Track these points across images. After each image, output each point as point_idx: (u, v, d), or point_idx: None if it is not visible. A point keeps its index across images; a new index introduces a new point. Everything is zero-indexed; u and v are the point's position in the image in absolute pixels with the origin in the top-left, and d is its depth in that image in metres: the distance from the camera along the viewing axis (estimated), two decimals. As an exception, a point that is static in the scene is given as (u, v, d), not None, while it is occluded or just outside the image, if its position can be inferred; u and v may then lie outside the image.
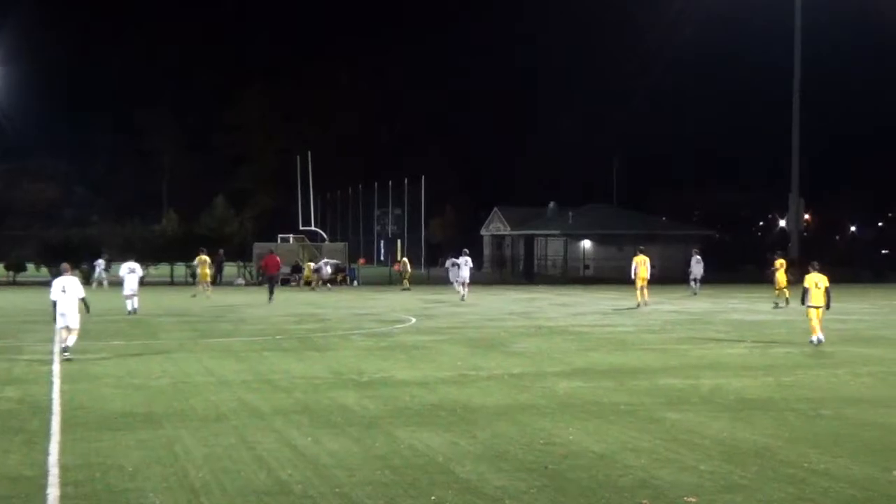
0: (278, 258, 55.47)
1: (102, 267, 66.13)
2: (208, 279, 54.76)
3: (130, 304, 41.30)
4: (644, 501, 11.36)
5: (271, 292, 50.91)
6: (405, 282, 66.55)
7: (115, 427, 15.54)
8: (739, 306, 47.43)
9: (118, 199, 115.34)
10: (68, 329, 24.66)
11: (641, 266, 46.79)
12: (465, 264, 55.03)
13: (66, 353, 24.36)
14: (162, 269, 75.27)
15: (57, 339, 26.34)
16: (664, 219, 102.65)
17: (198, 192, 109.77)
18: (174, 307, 46.04)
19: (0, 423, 15.91)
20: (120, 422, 16.00)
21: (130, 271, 42.36)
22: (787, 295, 46.31)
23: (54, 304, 24.64)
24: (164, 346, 28.25)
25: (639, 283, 46.58)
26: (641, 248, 49.01)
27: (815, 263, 29.62)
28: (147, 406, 17.52)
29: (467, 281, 54.55)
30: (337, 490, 11.76)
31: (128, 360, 24.69)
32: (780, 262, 48.20)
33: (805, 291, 29.36)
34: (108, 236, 78.90)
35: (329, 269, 68.64)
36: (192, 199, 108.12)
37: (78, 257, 65.99)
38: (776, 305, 46.34)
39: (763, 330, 33.95)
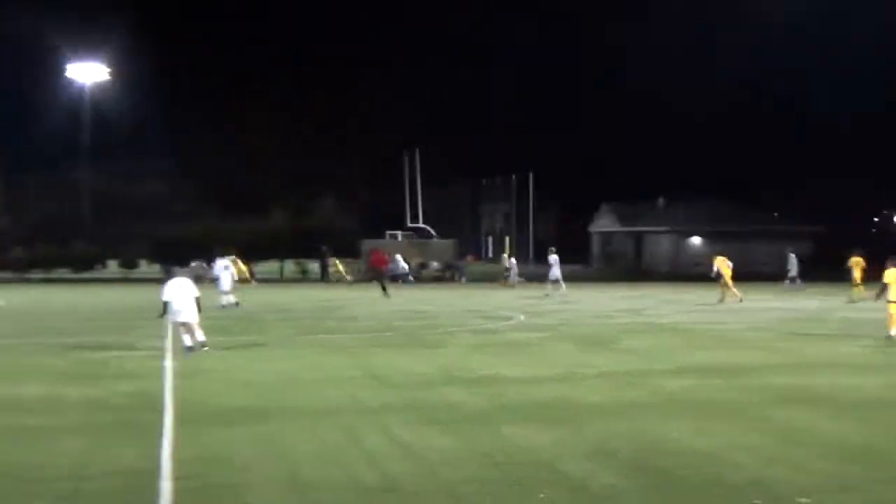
0: (385, 254, 55.95)
1: (211, 263, 66.99)
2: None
3: (226, 300, 42.02)
4: (756, 501, 11.18)
5: (384, 287, 51.52)
6: (507, 280, 66.57)
7: (225, 422, 15.70)
8: (852, 304, 46.64)
9: (226, 195, 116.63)
10: (188, 326, 25.20)
11: (723, 266, 48.39)
12: (555, 263, 55.17)
13: (204, 349, 25.14)
14: (270, 266, 76.08)
15: (169, 335, 26.76)
16: (776, 215, 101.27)
17: (305, 188, 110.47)
18: (281, 303, 46.47)
19: (114, 417, 16.17)
20: (230, 417, 16.17)
21: (225, 268, 43.17)
22: (859, 293, 46.77)
23: (166, 304, 25.11)
24: (273, 342, 28.54)
25: (727, 282, 47.95)
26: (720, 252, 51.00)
27: (894, 258, 29.16)
28: (256, 401, 17.69)
29: (558, 278, 54.67)
30: (444, 487, 11.75)
31: (237, 356, 24.97)
32: (856, 261, 48.69)
33: (884, 287, 28.90)
34: (216, 233, 79.91)
35: (404, 266, 68.85)
36: (299, 195, 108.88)
37: (187, 254, 67.18)
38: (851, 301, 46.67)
39: (878, 328, 33.33)
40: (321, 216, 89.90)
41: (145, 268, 76.77)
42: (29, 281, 76.74)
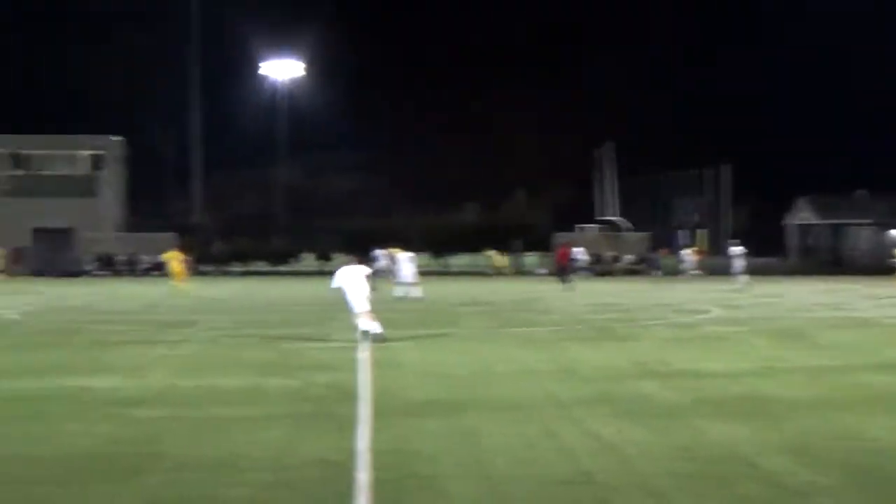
0: (570, 248, 56.15)
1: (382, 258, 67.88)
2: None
3: (404, 291, 42.63)
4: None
5: (564, 280, 51.78)
6: (693, 270, 65.97)
7: (419, 414, 15.83)
8: None
9: (418, 189, 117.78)
10: (359, 314, 25.77)
11: None
12: (738, 255, 54.57)
13: (379, 339, 25.46)
14: (462, 260, 76.53)
15: (360, 327, 27.18)
16: None
17: (497, 182, 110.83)
18: (475, 296, 46.70)
19: (312, 408, 16.45)
20: (424, 409, 16.29)
21: (409, 260, 43.86)
22: None
23: (338, 289, 25.91)
24: (466, 335, 28.69)
25: None
26: None
27: None
28: (450, 394, 17.79)
29: (742, 270, 54.03)
30: (640, 481, 11.64)
31: (431, 348, 25.18)
32: None
33: None
34: (409, 227, 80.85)
35: (585, 259, 68.37)
36: (491, 189, 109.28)
37: (381, 247, 67.93)
38: None
39: None
40: (513, 211, 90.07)
41: (340, 261, 78.10)
42: (229, 274, 78.81)
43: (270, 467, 12.34)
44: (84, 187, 76.53)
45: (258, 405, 16.79)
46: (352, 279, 26.11)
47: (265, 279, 69.86)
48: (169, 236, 77.00)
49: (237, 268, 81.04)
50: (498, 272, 71.97)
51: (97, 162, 77.90)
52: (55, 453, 13.09)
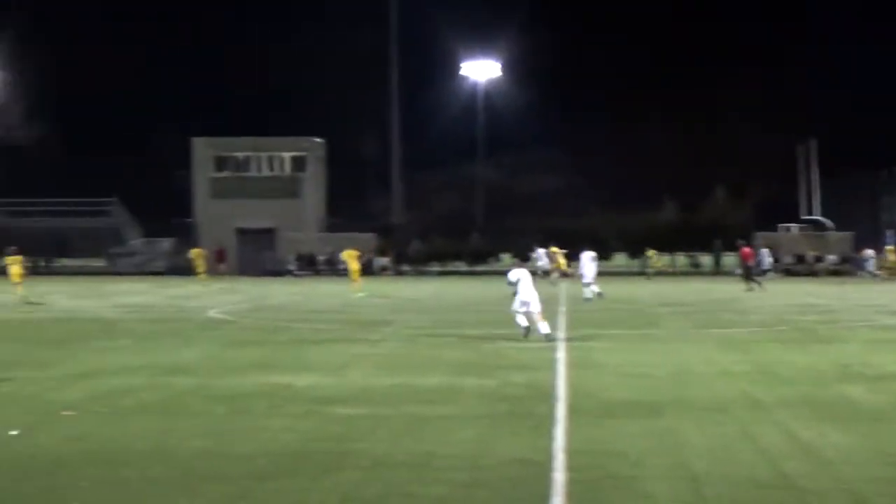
0: (753, 249, 55.54)
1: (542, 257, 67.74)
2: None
3: (590, 291, 42.35)
4: None
5: (749, 280, 51.10)
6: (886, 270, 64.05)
7: (617, 415, 15.70)
8: None
9: (617, 189, 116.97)
10: (532, 314, 26.18)
11: None
12: None
13: (548, 338, 25.69)
14: (661, 259, 75.68)
15: (562, 327, 27.15)
16: None
17: (697, 181, 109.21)
18: (674, 296, 46.17)
19: (509, 407, 16.46)
20: (622, 410, 16.15)
21: (592, 259, 43.70)
22: None
23: (513, 283, 26.48)
24: (665, 336, 28.38)
25: None
26: None
27: None
28: (649, 395, 17.59)
29: None
30: (843, 485, 11.31)
31: (629, 348, 24.97)
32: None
33: None
34: (606, 226, 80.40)
35: (770, 261, 66.75)
36: (691, 188, 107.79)
37: (580, 247, 67.86)
38: None
39: None
40: (713, 210, 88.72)
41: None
42: (426, 274, 79.61)
43: (466, 466, 12.39)
44: (287, 188, 78.18)
45: (455, 404, 16.88)
46: (525, 279, 26.63)
47: (463, 279, 70.30)
48: (368, 236, 78.19)
49: (435, 267, 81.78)
50: (657, 272, 71.16)
51: (300, 163, 79.50)
52: (257, 449, 13.38)
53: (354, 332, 29.59)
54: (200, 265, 61.04)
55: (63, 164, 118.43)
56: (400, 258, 75.51)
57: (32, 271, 76.41)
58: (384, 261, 71.18)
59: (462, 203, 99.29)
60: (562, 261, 61.94)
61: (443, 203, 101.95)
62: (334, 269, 73.14)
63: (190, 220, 78.49)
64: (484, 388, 18.47)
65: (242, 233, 75.35)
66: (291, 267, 74.36)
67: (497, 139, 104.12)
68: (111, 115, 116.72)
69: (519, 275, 26.80)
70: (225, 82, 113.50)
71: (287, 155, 79.36)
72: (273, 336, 28.59)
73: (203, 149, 78.28)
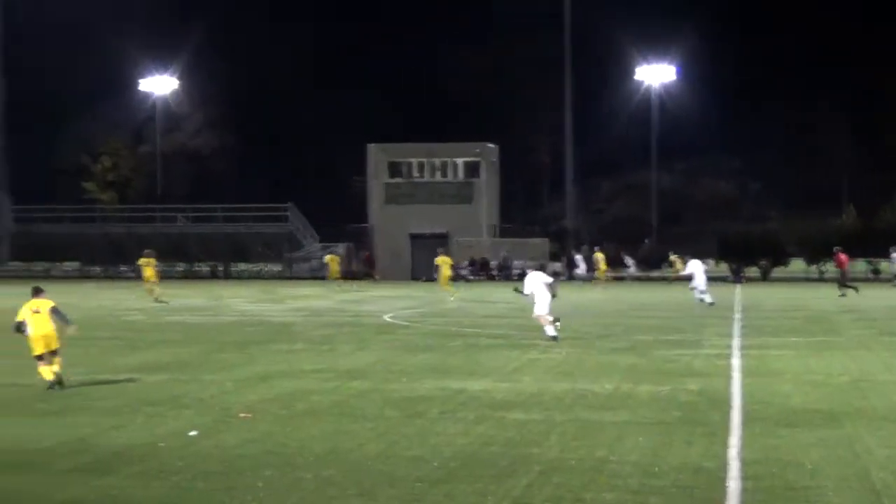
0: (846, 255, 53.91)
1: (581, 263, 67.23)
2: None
3: (702, 298, 41.58)
4: None
5: (845, 286, 50.33)
6: None
7: (794, 423, 15.39)
8: None
9: (793, 193, 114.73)
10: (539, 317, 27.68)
11: None
12: None
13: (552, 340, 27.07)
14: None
15: (736, 333, 26.81)
16: None
17: (876, 186, 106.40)
18: (853, 303, 45.06)
19: (682, 414, 16.28)
20: (799, 418, 15.83)
21: (702, 268, 43.14)
22: None
23: (528, 296, 27.89)
24: (845, 343, 27.70)
25: None
26: None
27: None
28: (827, 403, 17.20)
29: None
30: None
31: (807, 356, 24.44)
32: None
33: None
34: (784, 232, 78.84)
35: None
36: (870, 193, 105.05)
37: (754, 253, 67.02)
38: None
39: None
40: (894, 215, 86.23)
41: (712, 266, 76.98)
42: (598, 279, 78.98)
43: (639, 473, 12.29)
44: (460, 194, 78.54)
45: (627, 410, 16.76)
46: (537, 285, 27.55)
47: (634, 284, 69.72)
48: (541, 241, 78.13)
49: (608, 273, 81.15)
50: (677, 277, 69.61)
51: (473, 169, 79.84)
52: (430, 453, 13.48)
53: (527, 337, 29.58)
54: (335, 270, 61.97)
55: (241, 170, 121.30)
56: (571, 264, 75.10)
57: (211, 275, 78.45)
58: (557, 266, 70.92)
59: (635, 208, 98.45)
60: (603, 267, 61.98)
61: (616, 207, 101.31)
62: (507, 273, 73.26)
63: (365, 225, 79.47)
64: (657, 395, 18.29)
65: (416, 238, 75.96)
66: (464, 272, 74.78)
67: (672, 144, 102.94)
68: (288, 122, 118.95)
69: (531, 285, 27.72)
70: (399, 88, 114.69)
71: (460, 161, 79.69)
72: (446, 341, 28.75)
73: (377, 155, 79.17)
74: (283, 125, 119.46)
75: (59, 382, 18.95)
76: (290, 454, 13.45)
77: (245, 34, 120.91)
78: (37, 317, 19.17)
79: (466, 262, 74.93)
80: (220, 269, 78.83)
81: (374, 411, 16.76)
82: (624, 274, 71.77)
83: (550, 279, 28.43)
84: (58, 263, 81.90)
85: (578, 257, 71.44)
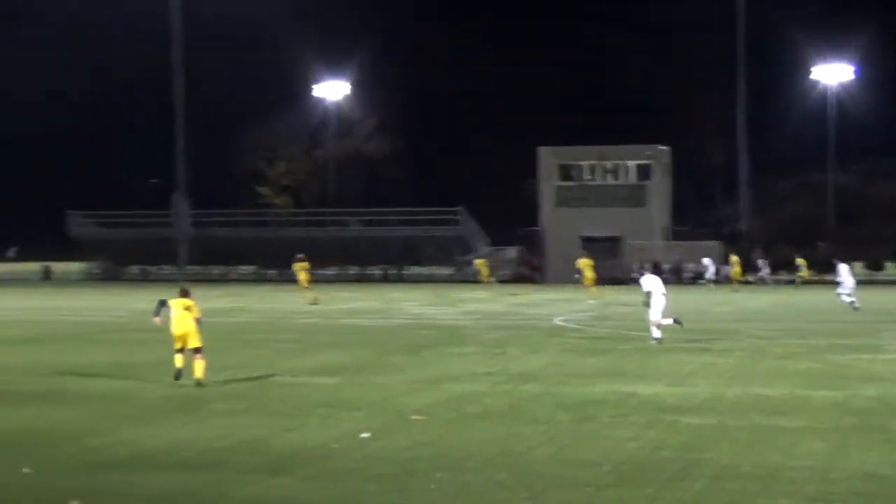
0: None
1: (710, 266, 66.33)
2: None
3: (849, 301, 40.44)
4: None
5: None
6: None
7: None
8: None
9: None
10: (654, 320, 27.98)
11: None
12: None
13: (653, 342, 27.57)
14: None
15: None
16: None
17: None
18: None
19: (860, 420, 15.93)
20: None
21: (849, 271, 42.03)
22: None
23: (648, 293, 27.88)
24: None
25: None
26: None
27: None
28: None
29: None
30: None
31: None
32: None
33: None
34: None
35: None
36: None
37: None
38: None
39: None
40: None
41: (892, 270, 75.05)
42: (765, 283, 77.66)
43: (815, 479, 12.08)
44: (632, 197, 77.94)
45: (803, 416, 16.46)
46: (656, 287, 27.85)
47: (810, 288, 68.26)
48: (713, 244, 77.03)
49: (782, 276, 79.63)
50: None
51: (645, 171, 79.16)
52: (601, 457, 13.44)
53: (700, 341, 29.22)
54: (484, 273, 62.25)
55: (413, 174, 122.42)
56: (747, 267, 73.88)
57: (383, 278, 79.32)
58: (729, 269, 69.86)
59: (810, 210, 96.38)
60: (738, 269, 61.11)
61: (791, 209, 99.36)
62: (679, 277, 72.46)
63: (535, 228, 79.45)
64: (833, 400, 17.93)
65: (587, 241, 75.63)
66: (636, 275, 74.19)
67: (849, 144, 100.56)
68: (460, 125, 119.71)
69: (649, 286, 27.86)
70: (569, 90, 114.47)
71: (632, 163, 79.10)
72: (618, 344, 28.58)
73: (548, 158, 79.04)
74: (455, 129, 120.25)
75: (199, 382, 20.24)
76: (461, 457, 13.53)
77: (417, 39, 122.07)
78: (183, 315, 20.83)
79: (638, 266, 74.30)
80: (392, 272, 79.67)
81: (545, 414, 16.76)
82: (752, 278, 70.28)
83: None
84: (234, 267, 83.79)
85: (761, 261, 70.64)
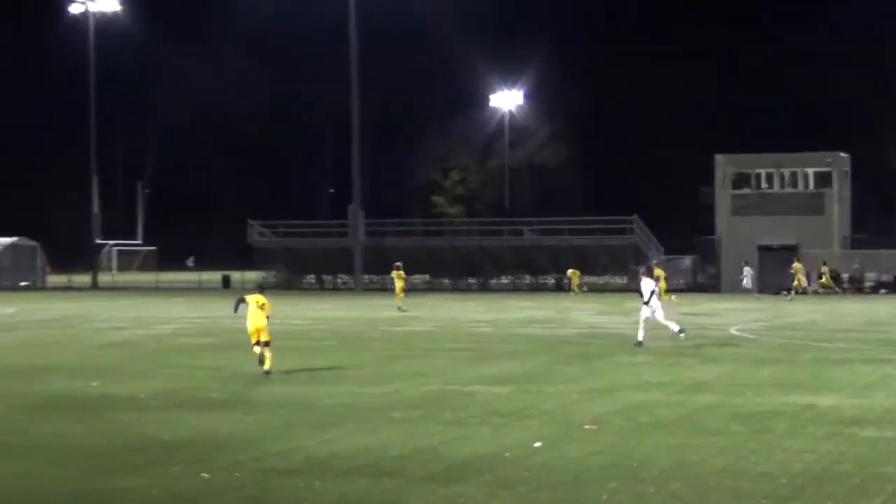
0: None
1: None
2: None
3: None
4: None
5: None
6: None
7: None
8: None
9: None
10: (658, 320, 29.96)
11: None
12: None
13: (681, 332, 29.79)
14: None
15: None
16: None
17: None
18: None
19: None
20: None
21: None
22: None
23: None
24: None
25: None
26: None
27: None
28: None
29: None
30: None
31: None
32: None
33: None
34: None
35: None
36: None
37: None
38: None
39: None
40: None
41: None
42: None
43: None
44: (810, 205, 76.40)
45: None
46: (647, 291, 29.65)
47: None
48: (894, 253, 75.05)
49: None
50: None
51: (824, 179, 77.56)
52: (777, 469, 13.31)
53: (881, 352, 28.53)
54: (576, 284, 62.35)
55: (586, 182, 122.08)
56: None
57: (557, 287, 79.16)
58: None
59: None
60: (802, 277, 59.29)
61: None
62: (859, 286, 70.73)
63: (710, 237, 78.47)
64: None
65: (764, 250, 74.38)
66: (814, 285, 72.71)
67: None
68: (632, 133, 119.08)
69: (644, 289, 29.78)
70: (745, 96, 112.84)
71: (810, 171, 77.56)
72: (794, 355, 28.07)
73: (725, 166, 78.03)
74: (628, 136, 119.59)
75: (267, 372, 23.23)
76: (635, 467, 13.49)
77: (589, 47, 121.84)
78: (257, 311, 23.48)
79: (817, 274, 72.86)
80: (566, 281, 79.50)
81: (720, 425, 16.60)
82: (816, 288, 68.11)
83: (654, 287, 30.32)
84: (408, 276, 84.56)
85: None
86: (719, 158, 78.63)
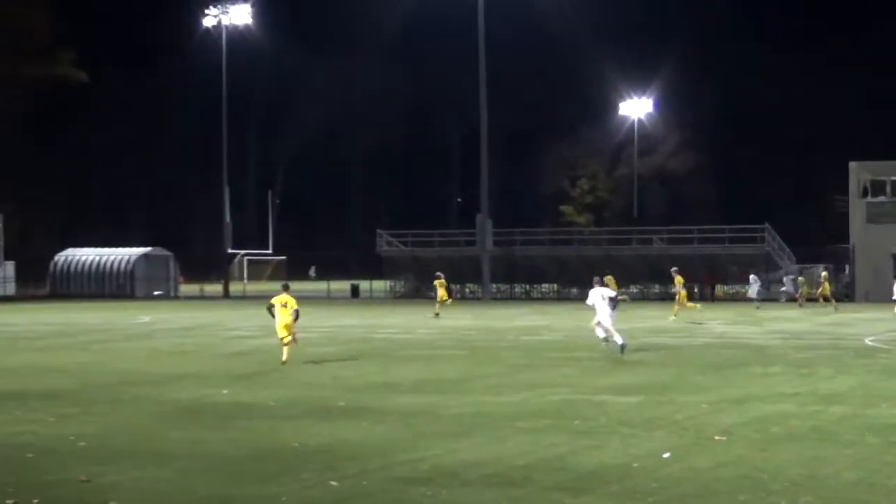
0: None
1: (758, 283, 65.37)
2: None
3: None
4: None
5: None
6: None
7: None
8: None
9: None
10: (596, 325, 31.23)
11: None
12: None
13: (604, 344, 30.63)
14: None
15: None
16: None
17: None
18: None
19: None
20: None
21: None
22: None
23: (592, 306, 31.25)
24: None
25: None
26: None
27: None
28: None
29: None
30: None
31: None
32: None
33: None
34: None
35: None
36: None
37: None
38: None
39: None
40: None
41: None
42: None
43: None
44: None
45: None
46: (597, 298, 30.77)
47: None
48: None
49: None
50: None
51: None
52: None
53: None
54: (683, 295, 61.51)
55: (717, 191, 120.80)
56: None
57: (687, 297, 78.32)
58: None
59: None
60: (827, 286, 59.75)
61: None
62: None
63: (844, 245, 77.10)
64: None
65: (902, 258, 72.89)
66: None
67: None
68: (762, 141, 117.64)
69: (592, 298, 30.93)
70: (880, 103, 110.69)
71: None
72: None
73: (859, 173, 76.62)
74: (759, 144, 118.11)
75: (283, 363, 26.88)
76: (765, 479, 13.29)
77: (720, 56, 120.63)
78: (283, 309, 27.03)
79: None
80: (696, 290, 78.65)
81: (854, 437, 16.28)
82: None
83: (613, 294, 31.99)
84: (536, 285, 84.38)
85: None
86: (853, 166, 77.20)
